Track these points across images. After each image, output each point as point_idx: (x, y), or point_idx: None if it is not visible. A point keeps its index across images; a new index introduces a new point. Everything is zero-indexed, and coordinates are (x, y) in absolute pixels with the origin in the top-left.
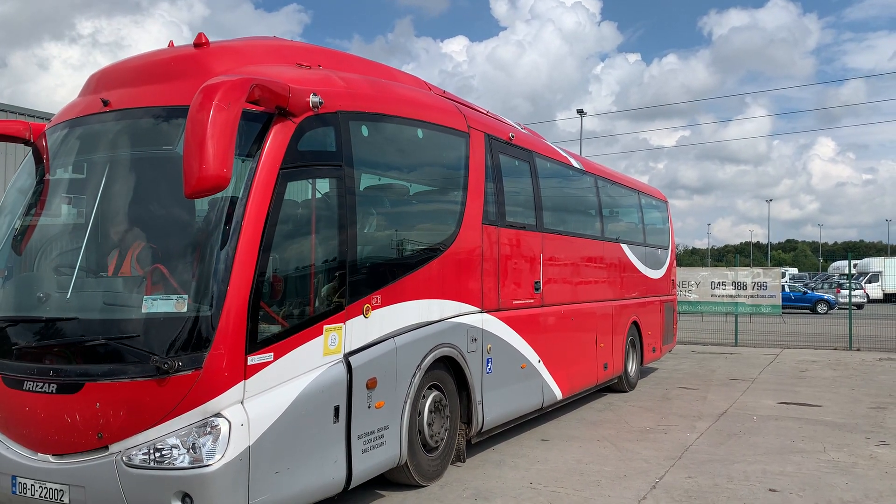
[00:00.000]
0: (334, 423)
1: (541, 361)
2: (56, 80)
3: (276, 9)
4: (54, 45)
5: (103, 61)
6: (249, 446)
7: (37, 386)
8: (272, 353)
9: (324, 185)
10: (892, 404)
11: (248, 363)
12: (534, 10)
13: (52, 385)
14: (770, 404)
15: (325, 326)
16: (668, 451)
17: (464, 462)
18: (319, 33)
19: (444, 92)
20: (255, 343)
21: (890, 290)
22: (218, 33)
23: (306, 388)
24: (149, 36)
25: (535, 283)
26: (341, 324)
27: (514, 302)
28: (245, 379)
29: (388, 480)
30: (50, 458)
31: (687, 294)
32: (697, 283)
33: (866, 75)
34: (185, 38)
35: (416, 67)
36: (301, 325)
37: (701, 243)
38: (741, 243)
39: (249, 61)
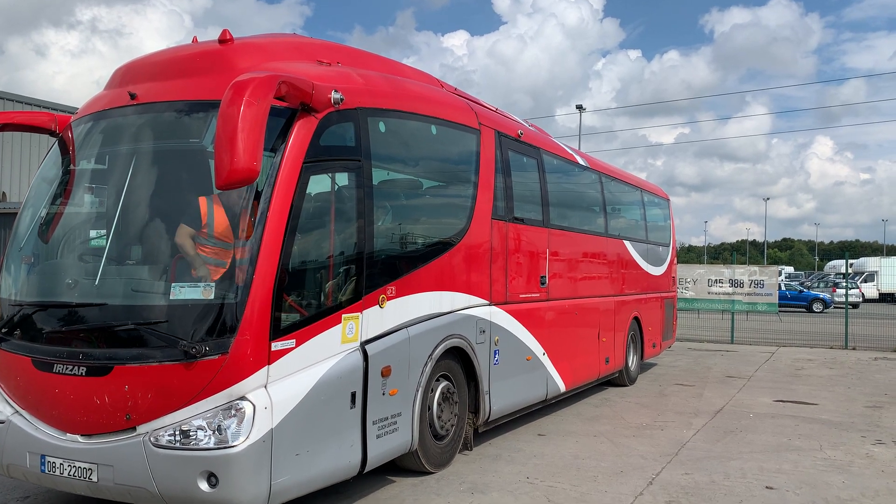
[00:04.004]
0: (351, 408)
1: (545, 354)
2: (54, 67)
3: (278, 0)
4: (52, 32)
5: (103, 49)
6: (272, 429)
7: (67, 369)
8: (294, 340)
9: (343, 179)
10: (887, 403)
11: (272, 349)
12: (536, 5)
13: (81, 368)
14: (766, 402)
15: (343, 315)
16: (664, 447)
17: (471, 450)
18: (321, 25)
19: (456, 89)
20: (279, 329)
21: (885, 289)
22: (219, 24)
23: (325, 374)
24: (149, 24)
25: (541, 277)
26: (358, 313)
27: (521, 295)
28: (269, 364)
29: (398, 466)
30: (79, 438)
31: (684, 291)
32: (694, 281)
33: (866, 75)
34: (186, 28)
35: (416, 61)
36: (321, 314)
37: (698, 240)
38: (738, 241)
39: (272, 58)
